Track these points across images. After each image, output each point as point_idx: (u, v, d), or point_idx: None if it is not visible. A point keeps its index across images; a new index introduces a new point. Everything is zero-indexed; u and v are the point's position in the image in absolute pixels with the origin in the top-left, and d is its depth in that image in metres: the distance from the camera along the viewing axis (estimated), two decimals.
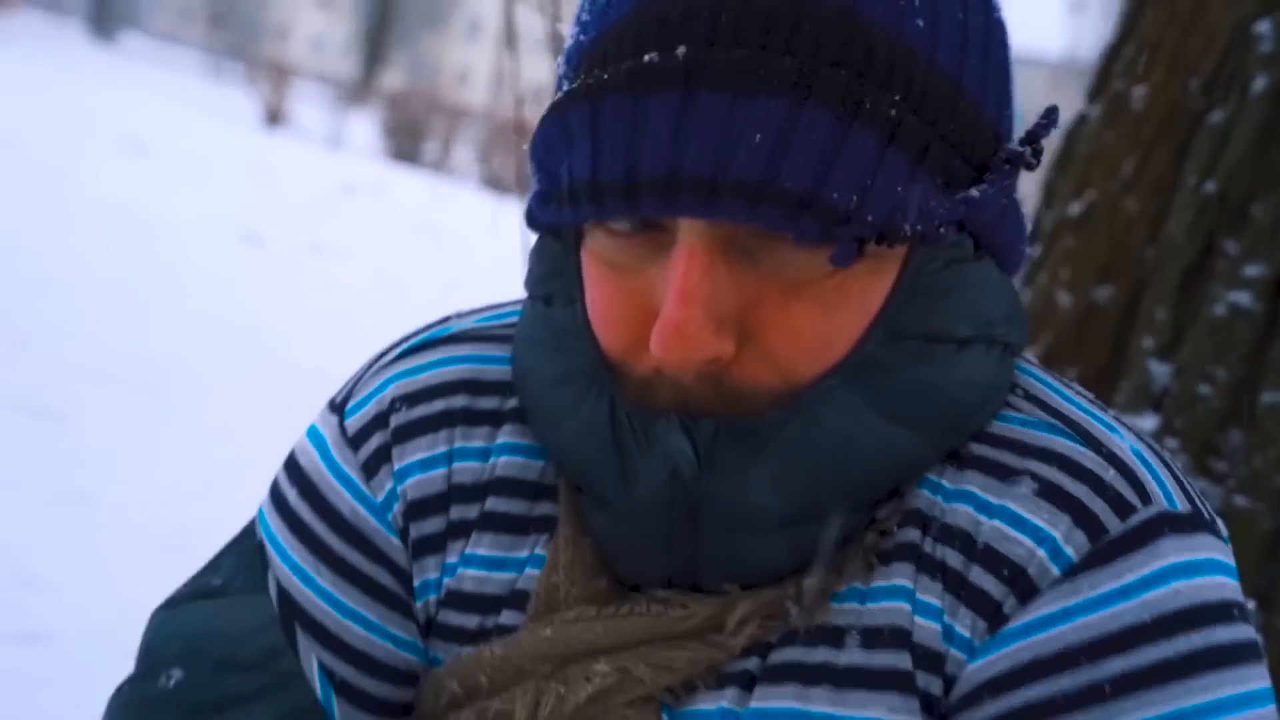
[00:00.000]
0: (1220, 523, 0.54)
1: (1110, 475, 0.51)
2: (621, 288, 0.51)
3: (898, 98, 0.47)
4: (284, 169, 11.20)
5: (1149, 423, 1.41)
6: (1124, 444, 0.53)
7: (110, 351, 4.24)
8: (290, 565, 0.57)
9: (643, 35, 0.47)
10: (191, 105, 16.10)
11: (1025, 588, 0.49)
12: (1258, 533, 1.32)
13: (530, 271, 0.58)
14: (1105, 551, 0.49)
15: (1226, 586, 0.51)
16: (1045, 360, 1.62)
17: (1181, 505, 0.52)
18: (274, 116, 17.46)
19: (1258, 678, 0.50)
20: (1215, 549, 0.52)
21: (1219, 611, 0.50)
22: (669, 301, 0.47)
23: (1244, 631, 0.51)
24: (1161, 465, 0.53)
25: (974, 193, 0.51)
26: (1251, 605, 1.21)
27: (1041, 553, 0.50)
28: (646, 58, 0.46)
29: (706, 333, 0.47)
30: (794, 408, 0.50)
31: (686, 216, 0.47)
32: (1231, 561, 0.53)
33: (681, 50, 0.46)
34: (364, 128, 18.64)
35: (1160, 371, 1.44)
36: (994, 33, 0.54)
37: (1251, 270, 1.41)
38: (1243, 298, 1.40)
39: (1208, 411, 1.38)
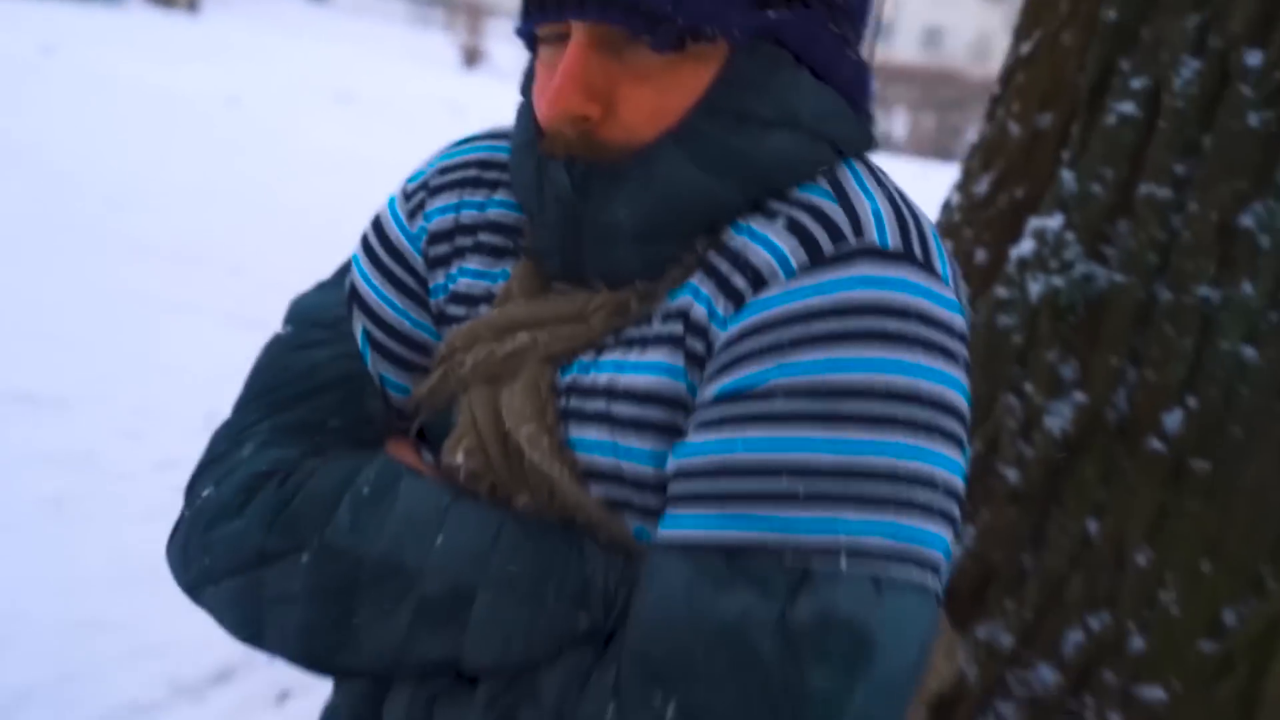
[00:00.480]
0: (942, 266, 0.69)
1: (839, 218, 0.68)
2: (544, 76, 0.74)
3: None
4: (479, 106, 11.84)
5: (1055, 221, 1.68)
6: (867, 203, 0.70)
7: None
8: (358, 268, 0.88)
9: None
10: (394, 54, 17.07)
11: (759, 284, 0.69)
12: (1132, 301, 1.58)
13: (522, 82, 0.82)
14: (816, 264, 0.67)
15: (911, 304, 0.65)
16: (998, 182, 1.88)
17: (892, 244, 0.67)
18: (471, 57, 18.22)
19: (915, 358, 0.64)
20: (915, 276, 0.66)
21: (894, 311, 0.65)
22: (555, 77, 0.70)
23: (916, 330, 0.65)
24: (895, 220, 0.69)
25: (770, 14, 0.70)
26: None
27: (774, 263, 0.68)
28: None
29: (576, 99, 0.69)
30: (639, 157, 0.70)
31: (570, 19, 0.69)
32: (940, 294, 0.67)
33: None
34: None
35: (1068, 177, 1.69)
36: None
37: (1136, 83, 1.64)
38: (1128, 107, 1.64)
39: (1098, 206, 1.64)
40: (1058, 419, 1.59)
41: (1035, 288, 1.65)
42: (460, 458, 0.75)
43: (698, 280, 0.72)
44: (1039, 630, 1.60)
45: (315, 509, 0.74)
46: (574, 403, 0.73)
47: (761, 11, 0.70)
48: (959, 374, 0.67)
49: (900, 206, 0.71)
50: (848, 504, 0.62)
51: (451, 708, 0.71)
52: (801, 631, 0.61)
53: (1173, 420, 1.52)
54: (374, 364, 0.84)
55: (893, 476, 0.63)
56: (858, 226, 0.68)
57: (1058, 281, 1.64)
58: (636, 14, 0.67)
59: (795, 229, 0.69)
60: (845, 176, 0.73)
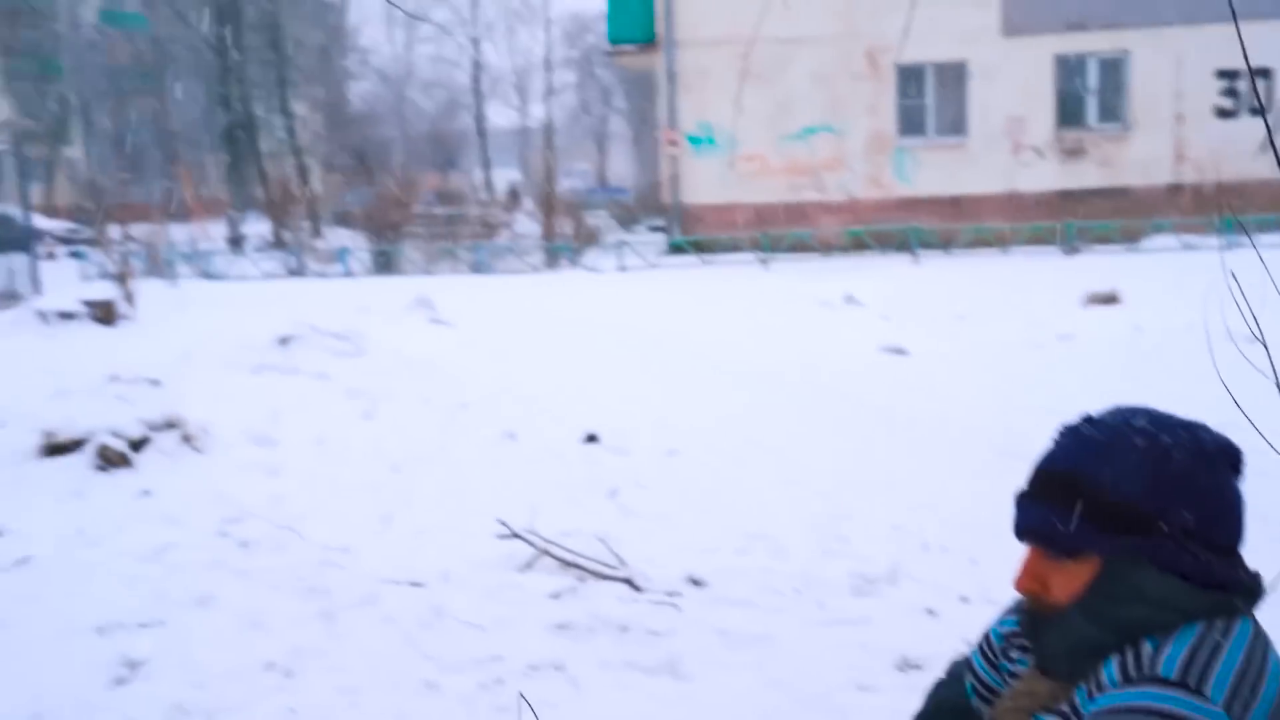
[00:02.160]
0: (1216, 689, 1.20)
1: (1145, 657, 1.27)
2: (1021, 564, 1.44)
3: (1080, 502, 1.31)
4: None
5: None
6: (1170, 651, 1.24)
7: None
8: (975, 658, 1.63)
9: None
10: None
11: (1101, 689, 1.28)
12: None
13: None
14: (1124, 684, 1.25)
15: (1170, 711, 1.19)
16: None
17: (1173, 676, 1.21)
18: None
19: None
20: (1183, 695, 1.19)
21: (1155, 713, 1.19)
22: (1019, 570, 1.40)
23: None
24: (1185, 664, 1.22)
25: (1124, 539, 1.29)
26: None
27: (1106, 680, 1.28)
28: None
29: (1025, 582, 1.38)
30: (1059, 615, 1.34)
31: (1023, 542, 1.40)
32: (1201, 707, 1.18)
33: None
34: None
35: None
36: (1163, 463, 1.29)
37: None
38: None
39: None
40: None
41: None
42: None
43: (1086, 685, 1.30)
44: None
45: None
46: None
47: (1118, 538, 1.28)
48: None
49: (1204, 654, 1.22)
50: None
51: None
52: None
53: None
54: (975, 703, 1.60)
55: None
56: (1154, 664, 1.23)
57: None
58: (1050, 543, 1.33)
59: (1125, 663, 1.25)
60: (1177, 633, 1.25)
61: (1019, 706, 1.41)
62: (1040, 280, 14.44)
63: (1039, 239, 19.17)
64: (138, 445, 6.55)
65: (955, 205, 20.77)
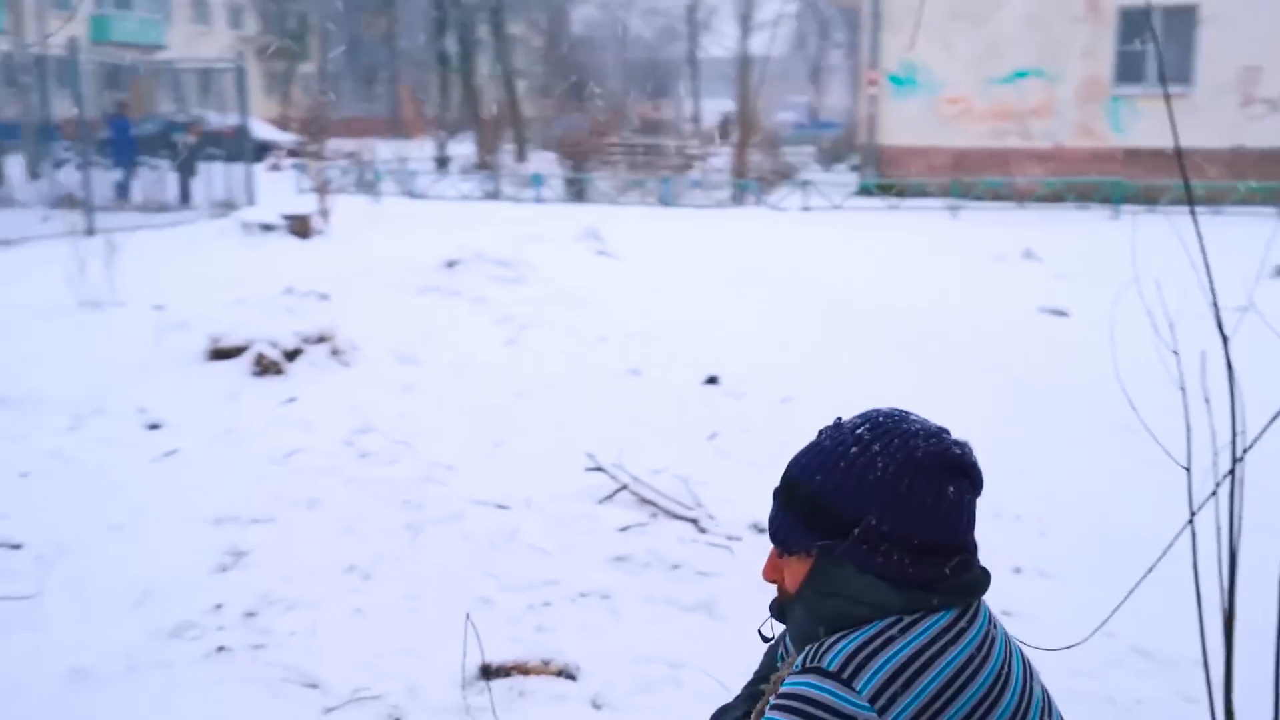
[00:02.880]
0: (865, 683, 1.30)
1: (823, 648, 1.37)
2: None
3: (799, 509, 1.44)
4: None
5: None
6: (841, 645, 1.35)
7: None
8: None
9: None
10: None
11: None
12: None
13: None
14: (802, 670, 1.37)
15: (816, 698, 1.31)
16: None
17: (832, 668, 1.33)
18: None
19: None
20: (832, 685, 1.32)
21: (805, 699, 1.32)
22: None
23: (811, 711, 1.31)
24: (848, 657, 1.33)
25: (825, 542, 1.40)
26: None
27: (795, 664, 1.42)
28: None
29: (766, 572, 1.52)
30: (789, 603, 1.48)
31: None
32: (844, 697, 1.30)
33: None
34: None
35: None
36: (865, 471, 1.40)
37: None
38: None
39: None
40: None
41: None
42: None
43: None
44: None
45: None
46: None
47: (822, 540, 1.40)
48: None
49: (869, 649, 1.34)
50: None
51: None
52: None
53: None
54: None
55: None
56: (822, 655, 1.35)
57: None
58: (776, 539, 1.48)
59: (809, 651, 1.39)
60: (864, 628, 1.37)
61: (775, 687, 1.55)
62: (1246, 245, 13.56)
63: (1259, 199, 17.87)
64: (291, 355, 7.15)
65: (1171, 159, 19.56)
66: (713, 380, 7.41)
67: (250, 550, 4.68)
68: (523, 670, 3.71)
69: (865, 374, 7.79)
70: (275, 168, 24.46)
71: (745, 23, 55.25)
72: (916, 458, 1.39)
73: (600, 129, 25.91)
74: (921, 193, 19.24)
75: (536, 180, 20.95)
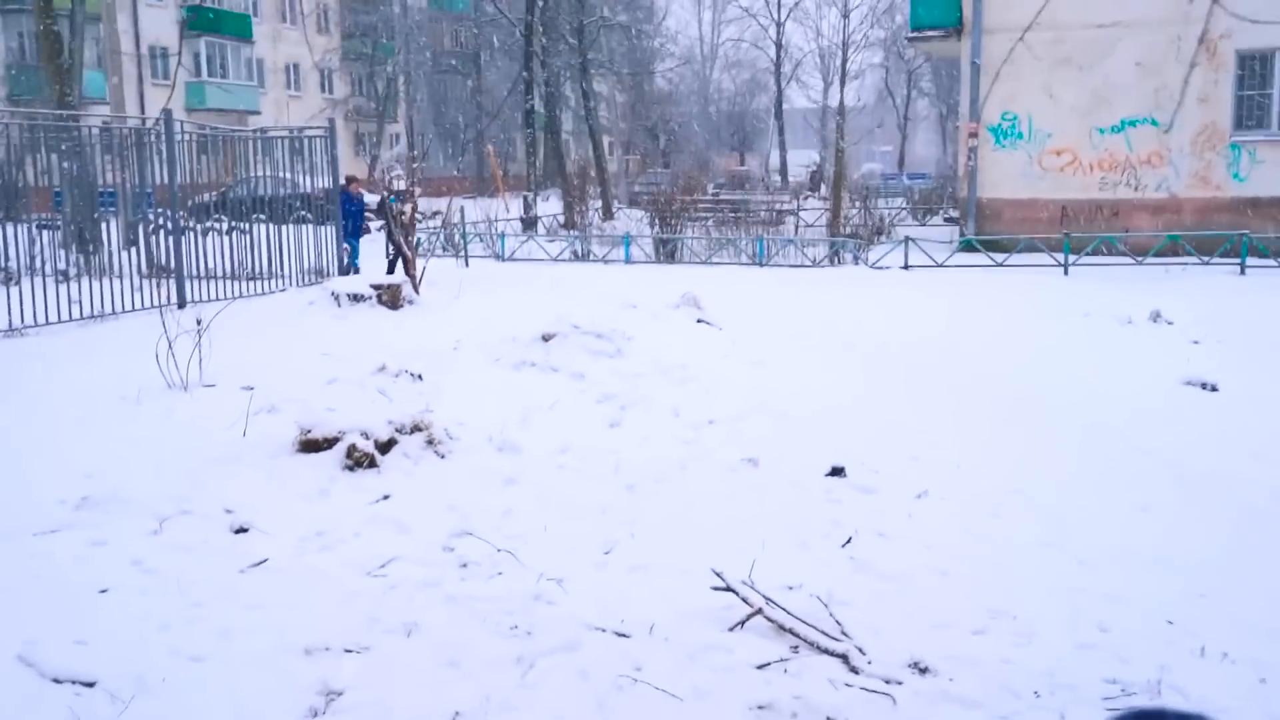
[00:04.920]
0: None
1: None
2: None
3: None
4: None
5: None
6: None
7: None
8: None
9: None
10: None
11: None
12: None
13: None
14: None
15: None
16: None
17: None
18: None
19: None
20: None
21: None
22: None
23: None
24: None
25: None
26: None
27: None
28: None
29: None
30: None
31: None
32: None
33: None
34: None
35: None
36: None
37: None
38: None
39: None
40: None
41: None
42: None
43: None
44: None
45: None
46: None
47: None
48: None
49: None
50: None
51: None
52: None
53: None
54: None
55: None
56: None
57: None
58: None
59: None
60: None
61: None
62: None
63: None
64: (385, 447, 6.69)
65: None
66: (838, 471, 6.78)
67: (345, 688, 4.16)
68: None
69: (1005, 462, 7.09)
70: (367, 231, 24.45)
71: (826, 74, 54.79)
72: None
73: (688, 185, 25.52)
74: (1029, 248, 18.40)
75: (626, 241, 20.55)
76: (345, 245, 15.97)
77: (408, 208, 15.48)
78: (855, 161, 49.13)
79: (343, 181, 16.31)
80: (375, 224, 19.27)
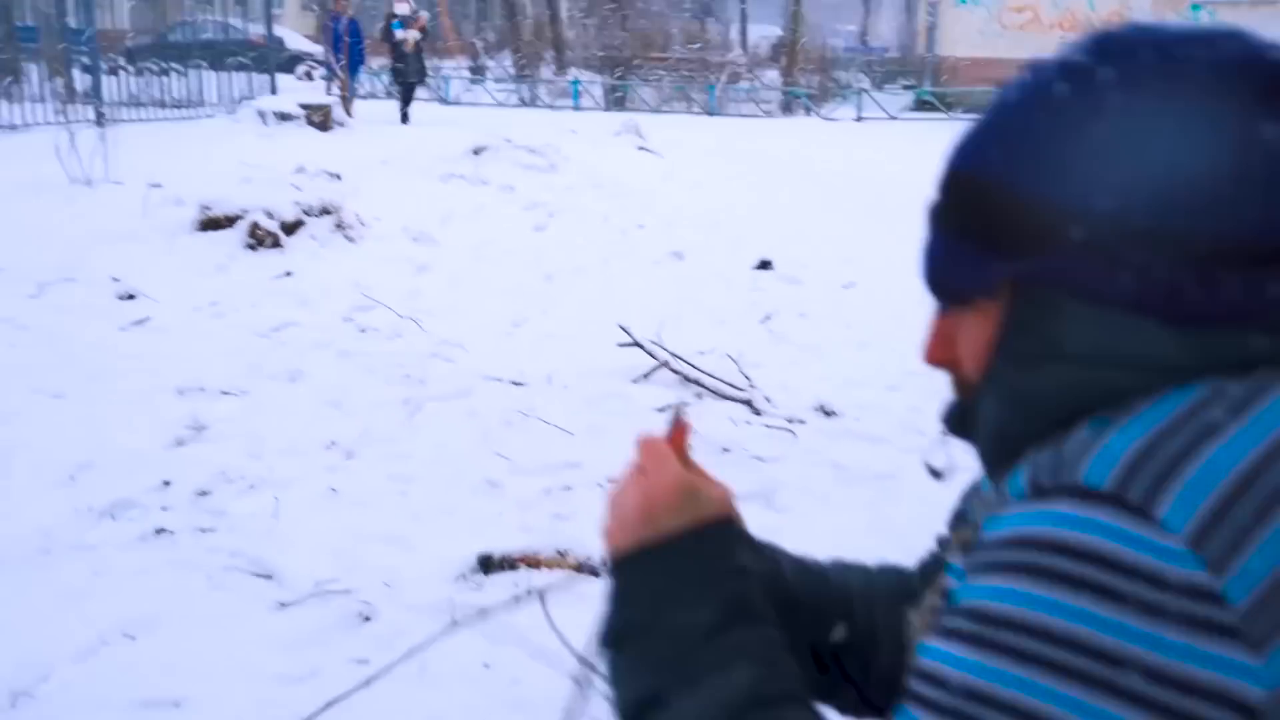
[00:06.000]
0: (1172, 514, 0.56)
1: (1068, 453, 0.62)
2: None
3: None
4: None
5: None
6: (1115, 438, 0.60)
7: None
8: None
9: None
10: None
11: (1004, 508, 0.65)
12: None
13: None
14: (1031, 496, 0.62)
15: (1093, 546, 0.57)
16: None
17: (1106, 485, 0.58)
18: None
19: (1079, 603, 0.57)
20: (1114, 519, 0.57)
21: (1069, 551, 0.58)
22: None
23: (1092, 574, 0.57)
24: (1135, 459, 0.59)
25: (1004, 266, 0.68)
26: None
27: (1010, 493, 0.66)
28: None
29: (932, 350, 0.77)
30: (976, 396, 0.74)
31: None
32: (1145, 539, 0.56)
33: None
34: None
35: None
36: (1090, 119, 0.65)
37: None
38: None
39: None
40: None
41: None
42: None
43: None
44: None
45: None
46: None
47: (1012, 262, 0.68)
48: (1149, 627, 0.56)
49: (1172, 446, 0.59)
50: None
51: None
52: None
53: None
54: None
55: (1013, 710, 0.57)
56: (1077, 463, 0.61)
57: None
58: (934, 284, 0.76)
59: (1036, 464, 0.65)
60: (1141, 410, 0.63)
61: (965, 540, 0.78)
62: None
63: None
64: (291, 229, 6.34)
65: None
66: (766, 265, 6.53)
67: (213, 423, 3.90)
68: (533, 562, 2.91)
69: None
70: (307, 76, 23.58)
71: None
72: (1187, 75, 0.65)
73: (643, 43, 24.80)
74: (983, 103, 18.06)
75: (574, 86, 19.94)
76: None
77: (412, 34, 14.54)
78: (819, 36, 48.07)
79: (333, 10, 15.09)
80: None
